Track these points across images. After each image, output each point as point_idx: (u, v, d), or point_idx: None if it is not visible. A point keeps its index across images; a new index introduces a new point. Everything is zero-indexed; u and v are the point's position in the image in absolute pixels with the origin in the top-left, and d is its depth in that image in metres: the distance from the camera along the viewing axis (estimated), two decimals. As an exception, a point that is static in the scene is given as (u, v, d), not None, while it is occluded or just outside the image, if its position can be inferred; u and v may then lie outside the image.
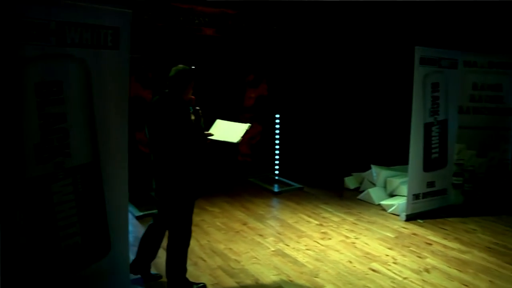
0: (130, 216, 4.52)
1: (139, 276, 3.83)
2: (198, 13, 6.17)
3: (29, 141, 2.66)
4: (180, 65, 3.48)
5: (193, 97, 3.50)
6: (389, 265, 4.22)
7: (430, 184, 5.68)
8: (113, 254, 3.25)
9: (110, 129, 3.11)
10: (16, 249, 2.67)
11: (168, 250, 3.55)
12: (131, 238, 3.96)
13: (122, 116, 3.20)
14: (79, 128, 2.93)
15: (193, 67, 3.52)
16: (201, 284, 3.73)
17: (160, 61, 6.05)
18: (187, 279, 3.61)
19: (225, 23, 6.44)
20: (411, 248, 4.61)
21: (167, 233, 3.65)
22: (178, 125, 3.29)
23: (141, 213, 5.38)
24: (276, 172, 7.48)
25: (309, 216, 5.58)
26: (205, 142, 3.50)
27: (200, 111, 3.50)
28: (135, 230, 4.93)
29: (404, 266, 4.20)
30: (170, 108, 3.33)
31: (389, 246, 4.67)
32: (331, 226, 5.26)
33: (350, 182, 6.95)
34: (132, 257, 3.70)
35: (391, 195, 6.18)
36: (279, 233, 5.01)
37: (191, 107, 3.46)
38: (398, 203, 5.71)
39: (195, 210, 5.63)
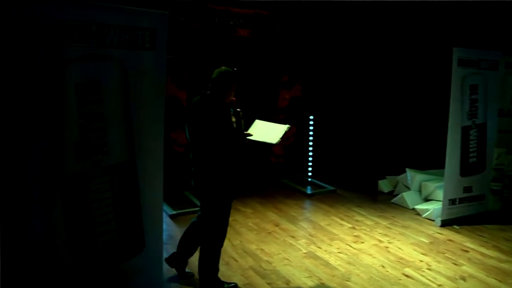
0: (164, 215, 4.59)
1: (175, 273, 3.90)
2: (233, 15, 6.22)
3: (69, 139, 2.75)
4: (223, 67, 3.47)
5: (234, 98, 3.51)
6: (423, 271, 4.14)
7: (467, 189, 5.52)
8: (147, 251, 3.31)
9: (146, 129, 3.17)
10: (52, 244, 2.76)
11: (202, 249, 3.59)
12: (164, 236, 4.03)
13: (159, 116, 3.25)
14: (116, 127, 3.01)
15: (235, 69, 3.53)
16: (233, 284, 3.76)
17: (195, 62, 6.13)
18: (218, 279, 3.65)
19: (259, 24, 6.46)
20: (446, 255, 4.50)
21: None
22: (219, 127, 3.31)
23: (175, 212, 5.46)
24: (309, 174, 7.45)
25: (342, 219, 5.54)
26: (244, 143, 3.51)
27: (241, 113, 3.51)
28: (168, 228, 5.01)
29: (438, 273, 4.10)
30: (212, 110, 3.34)
31: (423, 251, 4.58)
32: (364, 229, 5.20)
33: (384, 185, 6.85)
34: (165, 255, 3.77)
35: (426, 199, 6.05)
36: (311, 235, 4.98)
37: (232, 109, 3.47)
38: (433, 208, 5.59)
39: (228, 210, 5.68)
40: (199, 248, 3.68)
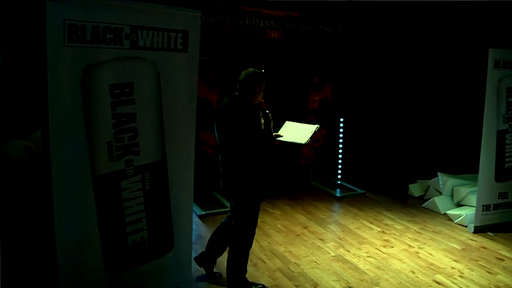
0: (193, 215, 4.64)
1: (203, 273, 3.93)
2: (264, 16, 6.23)
3: (103, 139, 2.81)
4: (251, 69, 3.46)
5: (262, 100, 3.51)
6: (455, 278, 4.04)
7: (503, 195, 5.37)
8: (177, 250, 3.36)
9: (178, 130, 3.21)
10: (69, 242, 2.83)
11: (231, 250, 3.61)
12: (193, 236, 4.06)
13: (190, 117, 3.28)
14: (148, 127, 3.06)
15: (263, 70, 3.52)
16: (260, 285, 3.77)
17: (226, 64, 6.17)
18: (246, 279, 3.66)
19: (290, 26, 6.45)
20: (479, 262, 4.38)
21: None
22: (248, 129, 3.31)
23: (204, 212, 5.51)
24: (339, 176, 7.39)
25: (371, 223, 5.47)
26: (273, 145, 3.51)
27: (269, 115, 3.51)
28: (197, 228, 5.06)
29: (471, 281, 4.00)
30: (241, 112, 3.35)
31: (455, 258, 4.48)
32: (393, 234, 5.12)
33: (415, 189, 6.73)
34: (194, 255, 3.80)
35: (458, 204, 5.91)
36: (340, 238, 4.94)
37: (260, 111, 3.47)
38: (465, 214, 5.45)
39: (256, 212, 5.68)
40: (227, 249, 3.70)
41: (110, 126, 2.83)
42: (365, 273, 4.13)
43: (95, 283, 2.93)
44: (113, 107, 2.83)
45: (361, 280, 3.97)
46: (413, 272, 4.14)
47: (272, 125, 3.52)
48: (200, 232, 4.98)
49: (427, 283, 3.94)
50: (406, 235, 5.08)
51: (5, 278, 2.60)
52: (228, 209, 5.65)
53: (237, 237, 3.57)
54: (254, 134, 3.33)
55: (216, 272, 3.95)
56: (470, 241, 4.94)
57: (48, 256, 2.72)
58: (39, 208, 2.69)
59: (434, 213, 5.88)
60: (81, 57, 2.63)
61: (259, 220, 5.20)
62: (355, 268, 4.23)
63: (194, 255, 3.80)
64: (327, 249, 4.64)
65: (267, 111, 3.51)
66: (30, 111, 2.62)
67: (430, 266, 4.28)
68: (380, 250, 4.64)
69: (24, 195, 2.65)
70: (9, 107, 2.52)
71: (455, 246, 4.79)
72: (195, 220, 5.29)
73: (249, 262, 3.73)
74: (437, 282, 3.95)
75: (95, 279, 2.93)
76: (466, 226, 5.33)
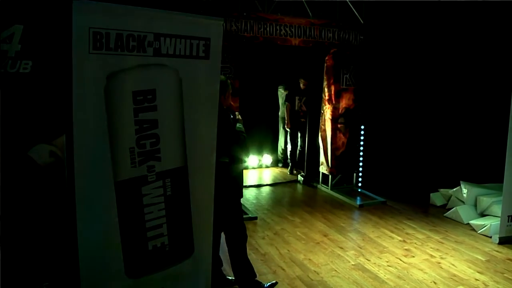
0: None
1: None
2: (285, 24, 6.24)
3: (126, 145, 2.84)
4: (221, 76, 3.59)
5: (232, 103, 3.80)
6: (479, 290, 3.96)
7: (529, 205, 5.23)
8: (196, 256, 3.36)
9: (199, 136, 3.22)
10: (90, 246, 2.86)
11: (230, 252, 3.76)
12: (213, 242, 4.07)
13: (212, 124, 3.29)
14: (169, 134, 3.08)
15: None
16: (273, 282, 3.88)
17: (247, 71, 6.19)
18: (256, 280, 3.75)
19: (311, 33, 6.44)
20: (505, 275, 4.28)
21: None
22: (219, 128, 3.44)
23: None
24: (359, 184, 7.33)
25: (392, 232, 5.40)
26: (241, 144, 3.72)
27: (239, 116, 3.80)
28: (217, 234, 5.06)
29: (496, 292, 3.92)
30: None
31: (479, 269, 4.38)
32: (415, 243, 5.05)
33: (437, 198, 6.62)
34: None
35: (482, 214, 5.79)
36: (360, 247, 4.89)
37: (230, 113, 3.73)
38: (490, 224, 5.34)
39: (276, 219, 5.71)
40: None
41: (133, 132, 2.86)
42: (386, 282, 4.07)
43: (116, 287, 2.96)
44: (136, 113, 2.86)
45: (382, 290, 3.92)
46: (435, 283, 4.07)
47: (242, 125, 3.75)
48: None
49: (449, 294, 3.87)
50: (427, 245, 5.00)
51: (26, 283, 2.65)
52: (248, 215, 5.68)
53: (231, 238, 3.77)
54: (224, 132, 3.46)
55: (230, 278, 3.95)
56: (495, 252, 4.84)
57: (71, 260, 2.75)
58: (63, 212, 2.73)
59: (457, 223, 5.78)
60: (105, 64, 2.67)
61: (278, 227, 5.21)
62: (375, 277, 4.18)
63: (213, 261, 3.81)
64: (347, 258, 4.60)
65: (236, 112, 3.84)
66: (55, 117, 2.66)
67: (452, 277, 4.20)
68: (401, 260, 4.57)
69: (48, 200, 2.69)
70: (35, 112, 2.57)
71: (479, 257, 4.69)
72: (215, 226, 5.29)
73: (268, 269, 3.74)
74: (460, 294, 3.88)
75: (116, 283, 2.96)
76: (491, 237, 5.21)
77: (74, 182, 2.65)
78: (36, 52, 2.53)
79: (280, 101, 8.37)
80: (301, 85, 7.80)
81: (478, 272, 4.32)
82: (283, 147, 8.71)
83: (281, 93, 8.30)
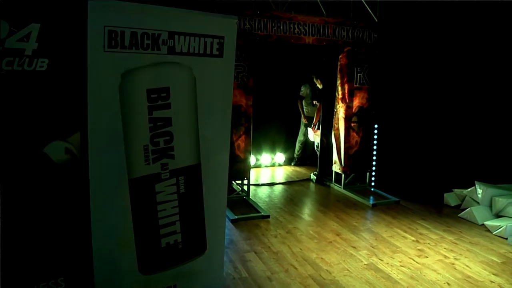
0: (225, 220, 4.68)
1: (235, 277, 3.93)
2: (299, 22, 6.23)
3: (140, 142, 2.87)
4: None
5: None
6: (494, 291, 3.91)
7: (545, 206, 5.16)
8: (209, 254, 3.37)
9: (213, 134, 3.23)
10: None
11: None
12: (226, 240, 4.08)
13: (225, 122, 3.31)
14: (183, 131, 3.09)
15: None
16: None
17: (261, 69, 6.19)
18: None
19: (325, 32, 6.42)
20: (520, 276, 4.23)
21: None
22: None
23: (236, 217, 5.52)
24: (372, 183, 7.28)
25: (405, 232, 5.36)
26: None
27: None
28: (229, 233, 5.07)
29: (511, 294, 3.87)
30: None
31: (494, 271, 4.33)
32: (428, 243, 5.00)
33: (451, 198, 6.55)
34: (226, 258, 3.82)
35: (498, 215, 5.72)
36: (372, 247, 4.87)
37: None
38: (505, 225, 5.27)
39: (288, 218, 5.70)
40: None
41: (147, 130, 2.89)
42: (398, 283, 4.05)
43: (129, 283, 2.99)
44: (150, 111, 2.88)
45: (395, 290, 3.90)
46: (448, 284, 4.03)
47: None
48: (232, 236, 5.00)
49: (463, 295, 3.83)
50: (441, 245, 4.95)
51: (42, 278, 2.69)
52: (260, 214, 5.68)
53: None
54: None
55: None
56: (511, 254, 4.77)
57: (85, 256, 2.79)
58: (77, 209, 2.77)
59: (471, 224, 5.71)
60: (120, 62, 2.69)
61: (291, 226, 5.21)
62: (388, 277, 4.15)
63: (226, 259, 3.82)
64: (360, 257, 4.58)
65: None
66: (70, 114, 2.70)
67: (467, 279, 4.16)
68: (414, 260, 4.54)
69: (63, 196, 2.73)
70: (51, 109, 2.61)
71: (494, 258, 4.64)
72: (227, 224, 5.31)
73: (280, 267, 3.73)
74: (474, 295, 3.84)
75: (129, 279, 2.99)
76: (506, 238, 5.15)
77: (88, 179, 2.68)
78: (52, 50, 2.56)
79: (306, 100, 8.42)
80: (318, 84, 7.86)
81: (493, 274, 4.27)
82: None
83: (307, 91, 8.36)
